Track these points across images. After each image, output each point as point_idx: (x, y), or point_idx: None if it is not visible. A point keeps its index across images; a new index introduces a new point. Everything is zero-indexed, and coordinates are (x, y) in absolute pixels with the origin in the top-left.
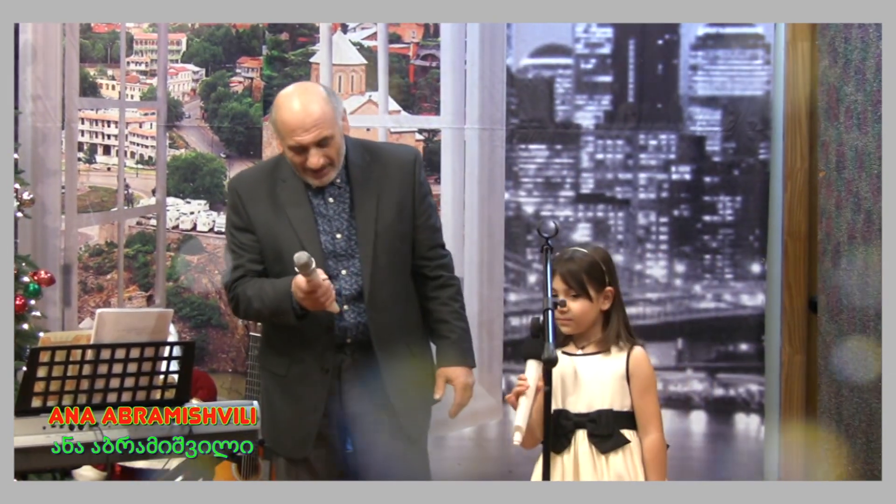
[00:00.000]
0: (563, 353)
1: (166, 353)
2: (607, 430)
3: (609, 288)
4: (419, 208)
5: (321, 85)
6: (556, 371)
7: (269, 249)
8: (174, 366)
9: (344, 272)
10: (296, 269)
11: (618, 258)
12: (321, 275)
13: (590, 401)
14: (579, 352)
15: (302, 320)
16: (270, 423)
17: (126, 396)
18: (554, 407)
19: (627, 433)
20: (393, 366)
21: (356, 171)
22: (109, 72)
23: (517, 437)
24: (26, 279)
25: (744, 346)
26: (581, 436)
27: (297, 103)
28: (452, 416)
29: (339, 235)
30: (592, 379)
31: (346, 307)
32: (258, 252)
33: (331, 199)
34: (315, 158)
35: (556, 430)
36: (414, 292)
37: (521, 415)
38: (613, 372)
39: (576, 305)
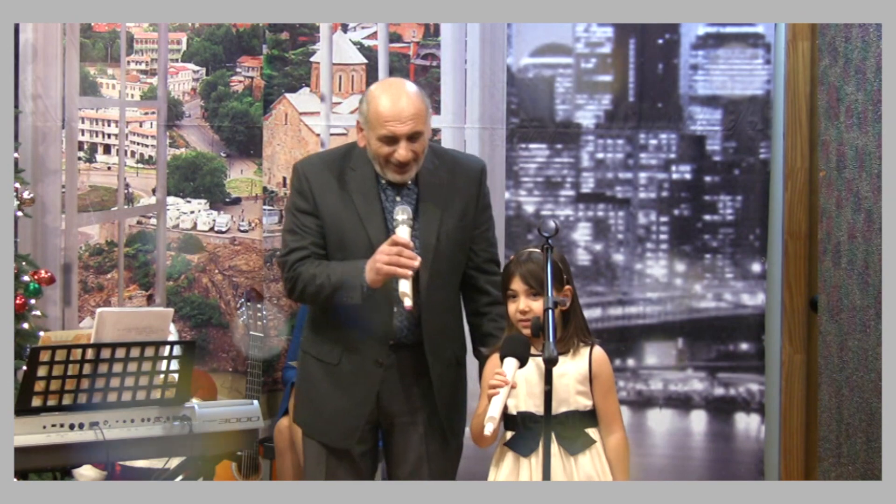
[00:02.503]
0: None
1: (166, 353)
2: (575, 431)
3: (568, 287)
4: (480, 218)
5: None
6: (519, 373)
7: (333, 236)
8: (174, 365)
9: None
10: (394, 224)
11: (618, 257)
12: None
13: (556, 402)
14: (541, 353)
15: (365, 301)
16: (313, 412)
17: (126, 396)
18: (519, 409)
19: (591, 432)
20: (440, 368)
21: (425, 174)
22: (110, 71)
23: (489, 428)
24: (26, 278)
25: (744, 346)
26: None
27: (396, 94)
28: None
29: None
30: (557, 381)
31: (396, 309)
32: (322, 237)
33: (397, 198)
34: (404, 151)
35: (523, 433)
36: (460, 301)
37: (497, 407)
38: (577, 373)
39: (537, 305)
